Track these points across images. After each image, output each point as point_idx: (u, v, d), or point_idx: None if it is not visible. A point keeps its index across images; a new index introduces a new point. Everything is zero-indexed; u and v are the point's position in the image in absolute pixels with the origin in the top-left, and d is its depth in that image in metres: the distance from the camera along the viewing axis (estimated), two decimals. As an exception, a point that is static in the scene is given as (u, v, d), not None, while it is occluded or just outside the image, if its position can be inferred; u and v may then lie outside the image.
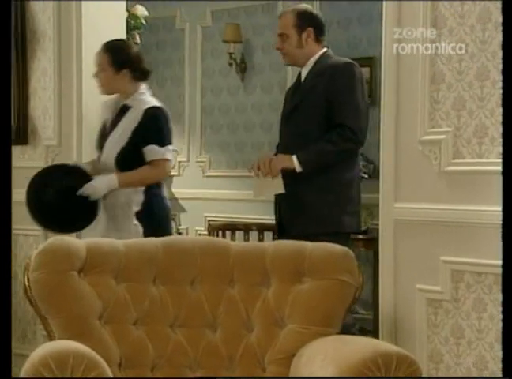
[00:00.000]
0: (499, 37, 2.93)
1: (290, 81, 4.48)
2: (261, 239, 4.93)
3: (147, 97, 4.02)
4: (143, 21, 5.89)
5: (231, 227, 5.11)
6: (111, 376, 2.72)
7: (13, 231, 3.89)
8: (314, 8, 4.68)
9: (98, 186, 3.90)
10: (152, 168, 3.93)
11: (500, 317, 2.81)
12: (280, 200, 3.93)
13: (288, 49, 3.95)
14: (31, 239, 4.67)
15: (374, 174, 5.45)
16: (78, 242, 3.10)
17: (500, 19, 2.89)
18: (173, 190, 7.43)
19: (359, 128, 3.79)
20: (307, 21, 3.92)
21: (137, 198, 3.92)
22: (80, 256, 3.00)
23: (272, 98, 6.71)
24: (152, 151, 3.91)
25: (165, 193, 4.09)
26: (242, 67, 7.04)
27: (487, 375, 3.15)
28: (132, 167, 3.92)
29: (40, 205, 3.96)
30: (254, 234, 5.03)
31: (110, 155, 3.96)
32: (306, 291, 3.08)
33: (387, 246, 3.50)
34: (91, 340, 2.85)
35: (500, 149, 2.93)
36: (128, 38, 5.25)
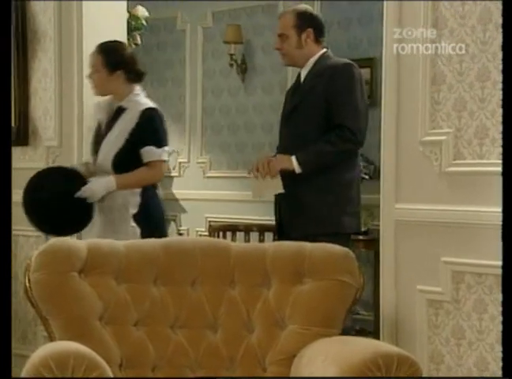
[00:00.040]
0: (500, 38, 2.93)
1: (290, 82, 4.48)
2: (261, 240, 4.93)
3: (142, 98, 4.01)
4: (144, 22, 5.89)
5: (232, 228, 5.11)
6: (112, 376, 2.72)
7: (14, 232, 3.90)
8: (314, 8, 4.69)
9: (96, 188, 3.90)
10: (150, 169, 3.94)
11: (501, 317, 2.81)
12: (279, 201, 3.93)
13: (287, 49, 3.95)
14: (31, 240, 4.67)
15: (375, 175, 5.45)
16: (79, 242, 3.10)
17: (501, 20, 2.89)
18: (174, 191, 7.44)
19: (359, 128, 3.78)
20: (307, 22, 3.92)
21: (134, 200, 3.92)
22: (80, 257, 3.00)
23: (272, 99, 6.71)
24: (149, 152, 3.91)
25: (160, 194, 4.09)
26: (243, 68, 7.04)
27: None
28: (128, 169, 3.91)
29: (36, 207, 3.94)
30: (254, 235, 5.04)
31: (106, 157, 3.95)
32: (307, 292, 3.08)
33: (388, 247, 3.50)
34: (91, 341, 2.85)
35: (501, 150, 2.93)
36: (129, 39, 5.25)
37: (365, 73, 5.81)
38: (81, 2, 4.50)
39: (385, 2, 3.49)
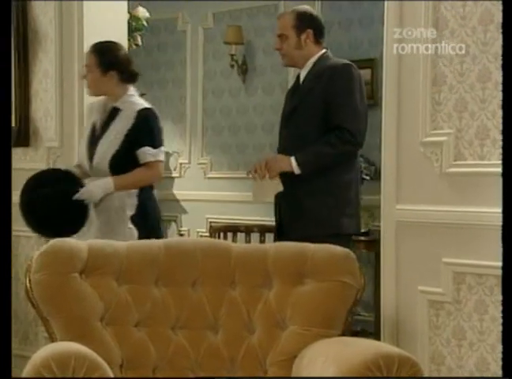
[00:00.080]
0: (501, 38, 2.93)
1: (291, 83, 4.48)
2: (262, 241, 4.93)
3: (137, 99, 4.01)
4: (144, 23, 5.89)
5: (233, 229, 5.11)
6: (113, 377, 2.72)
7: (15, 233, 3.90)
8: (315, 9, 4.68)
9: (94, 190, 3.89)
10: (147, 170, 3.93)
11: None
12: (279, 203, 3.92)
13: (286, 50, 3.94)
14: (32, 241, 4.67)
15: (376, 176, 5.44)
16: (80, 243, 3.10)
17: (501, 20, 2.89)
18: (174, 192, 7.44)
19: (358, 130, 3.78)
20: (307, 23, 3.92)
21: (131, 201, 3.92)
22: (81, 257, 3.00)
23: (273, 99, 6.71)
24: (146, 153, 3.91)
25: (156, 195, 4.09)
26: (244, 69, 7.04)
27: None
28: (125, 170, 3.90)
29: (32, 209, 3.94)
30: (255, 236, 5.04)
31: (103, 159, 3.93)
32: (308, 293, 3.08)
33: (389, 248, 3.49)
34: (92, 342, 2.85)
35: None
36: (129, 39, 5.26)
37: (366, 73, 5.82)
38: (82, 3, 4.50)
39: (386, 3, 3.49)
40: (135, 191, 3.93)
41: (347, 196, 3.85)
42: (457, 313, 3.26)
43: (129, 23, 5.10)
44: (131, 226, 3.89)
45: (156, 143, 3.94)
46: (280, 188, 3.80)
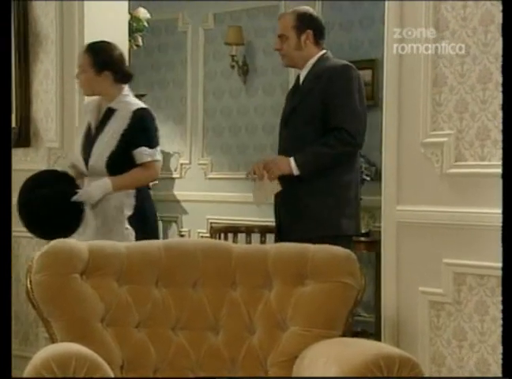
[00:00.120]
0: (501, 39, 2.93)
1: (292, 84, 4.48)
2: (263, 241, 4.93)
3: (132, 99, 4.00)
4: (145, 24, 5.90)
5: (234, 230, 5.11)
6: (113, 378, 2.72)
7: (16, 234, 3.90)
8: (315, 10, 4.68)
9: (93, 192, 3.88)
10: (144, 170, 3.92)
11: (502, 319, 2.81)
12: (279, 204, 3.92)
13: (286, 50, 3.94)
14: (33, 242, 4.66)
15: (376, 177, 5.44)
16: (80, 244, 3.10)
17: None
18: (175, 192, 7.44)
19: (357, 131, 3.78)
20: (307, 23, 3.92)
21: (128, 202, 3.91)
22: (82, 258, 3.00)
23: (274, 100, 6.71)
24: (143, 153, 3.90)
25: (152, 195, 4.09)
26: (245, 69, 7.04)
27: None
28: (122, 170, 3.90)
29: (28, 211, 3.93)
30: (256, 237, 5.04)
31: (99, 159, 3.91)
32: (309, 294, 3.07)
33: (389, 249, 3.49)
34: (93, 343, 2.85)
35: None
36: (130, 40, 5.26)
37: (366, 74, 5.83)
38: (83, 4, 4.50)
39: (386, 3, 3.49)
40: (133, 191, 3.92)
41: (347, 197, 3.85)
42: (458, 314, 3.26)
43: (129, 24, 5.10)
44: (128, 226, 3.88)
45: (152, 143, 3.93)
46: (280, 189, 3.80)
